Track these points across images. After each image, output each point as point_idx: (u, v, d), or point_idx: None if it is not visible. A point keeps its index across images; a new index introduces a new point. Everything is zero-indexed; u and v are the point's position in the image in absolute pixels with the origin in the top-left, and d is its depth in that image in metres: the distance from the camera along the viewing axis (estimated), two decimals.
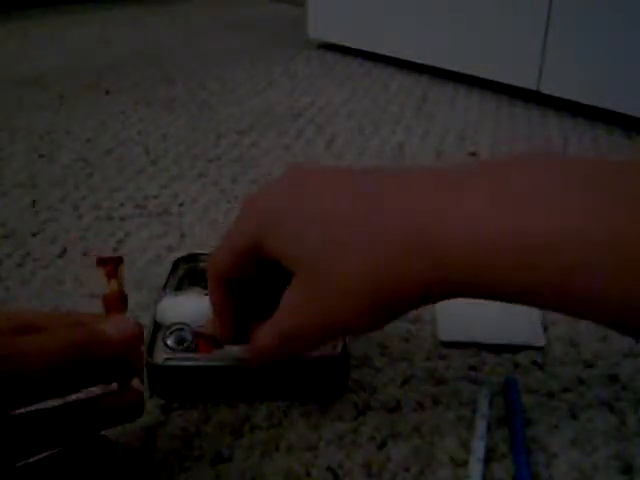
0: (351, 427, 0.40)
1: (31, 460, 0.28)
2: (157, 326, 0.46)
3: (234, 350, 0.43)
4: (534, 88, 1.01)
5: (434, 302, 0.30)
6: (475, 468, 0.37)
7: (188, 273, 0.55)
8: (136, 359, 0.34)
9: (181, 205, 0.70)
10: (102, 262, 0.36)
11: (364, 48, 1.30)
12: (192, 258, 0.56)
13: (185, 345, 0.45)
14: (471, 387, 0.44)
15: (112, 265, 0.36)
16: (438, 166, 0.32)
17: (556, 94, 0.99)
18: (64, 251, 0.61)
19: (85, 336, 0.30)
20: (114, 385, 0.33)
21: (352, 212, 0.30)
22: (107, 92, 1.09)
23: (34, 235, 0.64)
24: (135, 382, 0.34)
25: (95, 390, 0.33)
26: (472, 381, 0.44)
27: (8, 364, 0.26)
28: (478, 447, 0.38)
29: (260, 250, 0.33)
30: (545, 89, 1.00)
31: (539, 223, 0.25)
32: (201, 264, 0.56)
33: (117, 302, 0.35)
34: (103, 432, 0.32)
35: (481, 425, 0.40)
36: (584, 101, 0.95)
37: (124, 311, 0.36)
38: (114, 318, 0.33)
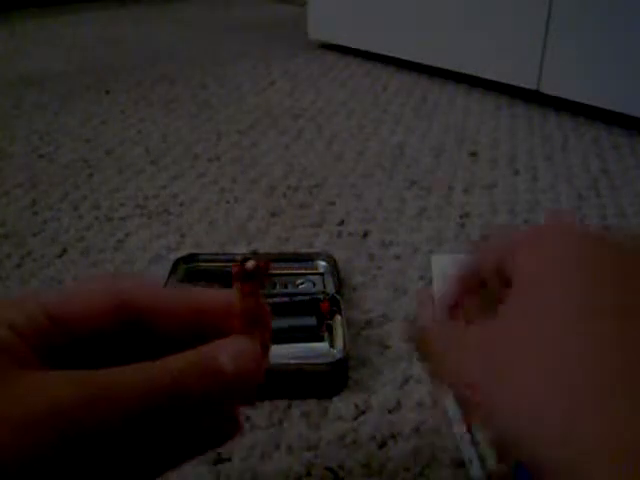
0: (351, 427, 0.40)
1: None
2: None
3: None
4: (534, 88, 1.01)
5: None
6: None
7: (188, 273, 0.55)
8: (250, 395, 0.24)
9: (181, 205, 0.70)
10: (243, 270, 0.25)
11: (364, 48, 1.30)
12: (192, 258, 0.56)
13: None
14: None
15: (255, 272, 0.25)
16: None
17: (556, 94, 0.99)
18: (64, 251, 0.61)
19: (188, 369, 0.21)
20: None
21: None
22: (107, 92, 1.09)
23: (34, 235, 0.64)
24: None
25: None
26: None
27: (78, 411, 0.19)
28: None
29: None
30: (545, 89, 1.00)
31: None
32: (201, 264, 0.56)
33: (248, 321, 0.24)
34: None
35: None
36: (584, 101, 0.95)
37: (257, 335, 0.24)
38: (234, 343, 0.23)
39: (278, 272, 0.55)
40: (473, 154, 0.84)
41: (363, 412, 0.42)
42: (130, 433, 0.20)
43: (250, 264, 0.25)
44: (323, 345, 0.45)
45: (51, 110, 1.00)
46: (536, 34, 0.98)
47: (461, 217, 0.68)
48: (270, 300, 0.50)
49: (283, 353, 0.44)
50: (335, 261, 0.56)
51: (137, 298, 0.24)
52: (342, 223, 0.66)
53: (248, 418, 0.41)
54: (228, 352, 0.22)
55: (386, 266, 0.59)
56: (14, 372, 0.20)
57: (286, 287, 0.54)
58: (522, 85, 1.03)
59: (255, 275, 0.25)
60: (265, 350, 0.25)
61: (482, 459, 0.38)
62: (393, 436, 0.40)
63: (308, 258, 0.56)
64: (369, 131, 0.92)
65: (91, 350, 0.23)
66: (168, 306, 0.25)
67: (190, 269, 0.55)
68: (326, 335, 0.47)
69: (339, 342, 0.46)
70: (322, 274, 0.54)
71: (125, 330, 0.24)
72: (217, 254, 0.58)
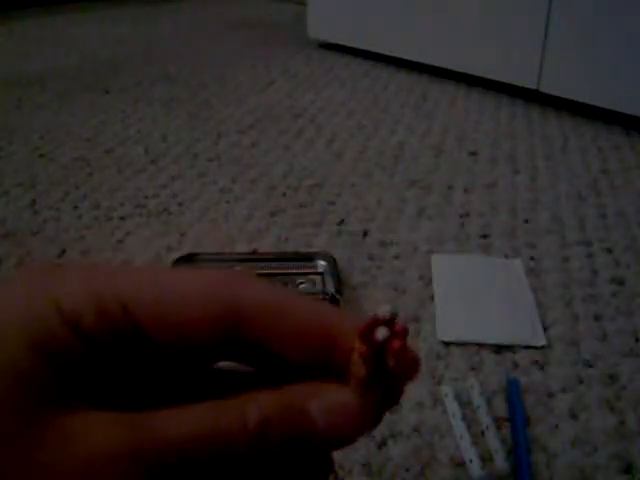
0: None
1: None
2: None
3: None
4: (534, 87, 1.01)
5: None
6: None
7: None
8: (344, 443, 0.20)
9: (181, 204, 0.70)
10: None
11: (364, 48, 1.30)
12: (192, 258, 0.56)
13: None
14: (471, 387, 0.44)
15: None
16: None
17: (556, 94, 0.99)
18: (64, 251, 0.61)
19: (273, 417, 0.18)
20: None
21: None
22: (107, 92, 1.09)
23: (34, 235, 0.64)
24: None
25: None
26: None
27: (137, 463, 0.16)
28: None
29: None
30: (545, 89, 1.00)
31: None
32: (201, 264, 0.56)
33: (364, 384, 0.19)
34: None
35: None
36: (584, 101, 0.95)
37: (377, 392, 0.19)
38: (332, 397, 0.19)
39: (278, 272, 0.55)
40: (473, 154, 0.84)
41: None
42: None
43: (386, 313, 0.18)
44: None
45: (51, 110, 1.00)
46: (536, 34, 0.98)
47: (461, 217, 0.68)
48: None
49: None
50: (335, 261, 0.56)
51: (258, 316, 0.18)
52: (342, 222, 0.66)
53: None
54: (321, 405, 0.18)
55: (386, 266, 0.59)
56: (43, 417, 0.16)
57: (286, 287, 0.54)
58: (522, 85, 1.03)
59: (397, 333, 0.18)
60: (380, 408, 0.20)
61: (482, 459, 0.38)
62: (393, 436, 0.40)
63: (308, 258, 0.56)
64: (369, 131, 0.92)
65: (158, 364, 0.19)
66: (295, 329, 0.19)
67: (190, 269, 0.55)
68: None
69: None
70: (322, 274, 0.54)
71: (218, 349, 0.19)
72: (217, 254, 0.58)
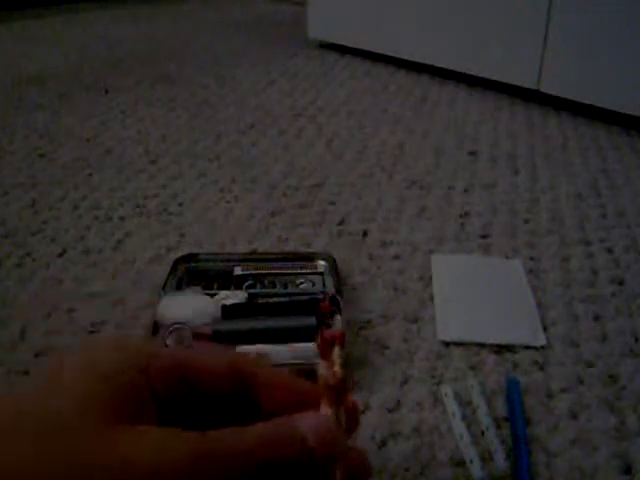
0: None
1: None
2: (157, 326, 0.46)
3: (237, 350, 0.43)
4: (534, 88, 1.01)
5: None
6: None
7: (188, 273, 0.55)
8: (340, 473, 0.25)
9: (180, 205, 0.70)
10: (325, 343, 0.28)
11: (364, 48, 1.30)
12: (192, 258, 0.56)
13: (185, 344, 0.45)
14: (471, 387, 0.44)
15: (335, 341, 0.28)
16: None
17: (556, 94, 0.99)
18: (64, 251, 0.61)
19: (272, 434, 0.24)
20: None
21: None
22: (107, 92, 1.09)
23: (34, 235, 0.64)
24: None
25: None
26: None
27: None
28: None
29: None
30: (545, 89, 1.00)
31: None
32: (201, 264, 0.56)
33: (332, 392, 0.26)
34: None
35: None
36: (584, 101, 0.95)
37: (336, 406, 0.26)
38: (313, 415, 0.25)
39: (278, 272, 0.55)
40: (473, 154, 0.84)
41: (363, 412, 0.42)
42: None
43: (329, 333, 0.28)
44: None
45: (51, 110, 1.00)
46: (536, 34, 0.98)
47: (461, 217, 0.68)
48: (270, 300, 0.50)
49: (283, 353, 0.44)
50: (335, 261, 0.56)
51: (254, 376, 0.27)
52: (342, 223, 0.66)
53: None
54: (309, 424, 0.24)
55: (386, 266, 0.59)
56: (130, 424, 0.22)
57: (286, 287, 0.54)
58: (522, 85, 1.03)
59: (337, 345, 0.28)
60: (349, 427, 0.27)
61: (482, 459, 0.38)
62: (393, 436, 0.40)
63: (308, 258, 0.56)
64: (369, 131, 0.92)
65: (197, 405, 0.26)
66: (276, 385, 0.27)
67: (190, 269, 0.55)
68: None
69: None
70: (322, 274, 0.54)
71: (230, 396, 0.27)
72: (217, 254, 0.58)
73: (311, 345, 0.45)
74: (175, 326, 0.46)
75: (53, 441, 0.21)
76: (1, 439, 0.21)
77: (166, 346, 0.44)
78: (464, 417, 0.41)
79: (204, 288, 0.52)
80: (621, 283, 0.56)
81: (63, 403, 0.22)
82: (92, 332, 0.50)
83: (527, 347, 0.48)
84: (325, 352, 0.28)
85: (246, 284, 0.53)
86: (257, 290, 0.52)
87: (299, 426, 0.24)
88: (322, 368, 0.27)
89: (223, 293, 0.50)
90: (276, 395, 0.27)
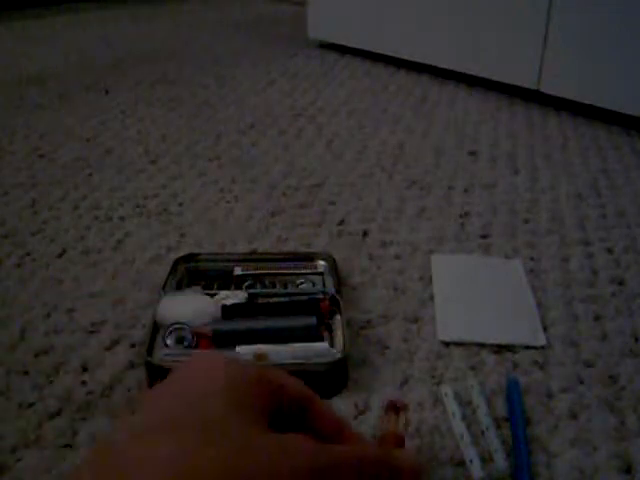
0: None
1: None
2: (157, 326, 0.46)
3: (238, 350, 0.43)
4: (534, 88, 1.01)
5: None
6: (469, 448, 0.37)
7: (188, 273, 0.55)
8: None
9: (180, 205, 0.70)
10: (393, 407, 0.36)
11: (364, 48, 1.30)
12: (192, 258, 0.56)
13: (185, 344, 0.45)
14: (471, 387, 0.44)
15: (401, 410, 0.36)
16: None
17: (556, 94, 0.99)
18: (64, 251, 0.61)
19: (383, 456, 0.30)
20: None
21: None
22: (107, 92, 1.09)
23: (34, 235, 0.64)
24: None
25: None
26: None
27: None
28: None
29: None
30: (545, 89, 1.00)
31: None
32: (201, 264, 0.56)
33: (394, 443, 0.34)
34: None
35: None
36: (584, 101, 0.95)
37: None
38: (403, 451, 0.33)
39: (278, 272, 0.55)
40: (473, 154, 0.84)
41: (363, 412, 0.42)
42: None
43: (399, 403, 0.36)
44: (323, 345, 0.45)
45: (51, 110, 1.00)
46: (536, 34, 0.98)
47: (461, 217, 0.68)
48: (270, 300, 0.50)
49: (283, 353, 0.44)
50: (335, 261, 0.56)
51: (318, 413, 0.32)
52: (342, 223, 0.66)
53: None
54: (407, 454, 0.32)
55: (386, 266, 0.59)
56: (260, 431, 0.25)
57: (286, 287, 0.54)
58: (522, 85, 1.03)
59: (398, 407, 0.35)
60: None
61: (482, 459, 0.38)
62: None
63: (308, 258, 0.56)
64: (369, 131, 0.92)
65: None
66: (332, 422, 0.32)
67: (190, 269, 0.55)
68: (326, 335, 0.47)
69: (339, 342, 0.46)
70: (322, 274, 0.54)
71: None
72: (217, 254, 0.58)
73: (311, 345, 0.45)
74: (175, 326, 0.46)
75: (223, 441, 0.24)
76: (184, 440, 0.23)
77: (166, 346, 0.44)
78: (464, 417, 0.41)
79: (204, 288, 0.52)
80: (621, 283, 0.56)
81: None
82: (92, 332, 0.50)
83: (527, 347, 0.48)
84: (390, 413, 0.35)
85: (246, 284, 0.53)
86: (257, 290, 0.52)
87: (401, 461, 0.30)
88: (385, 423, 0.35)
89: (223, 293, 0.50)
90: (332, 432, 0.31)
